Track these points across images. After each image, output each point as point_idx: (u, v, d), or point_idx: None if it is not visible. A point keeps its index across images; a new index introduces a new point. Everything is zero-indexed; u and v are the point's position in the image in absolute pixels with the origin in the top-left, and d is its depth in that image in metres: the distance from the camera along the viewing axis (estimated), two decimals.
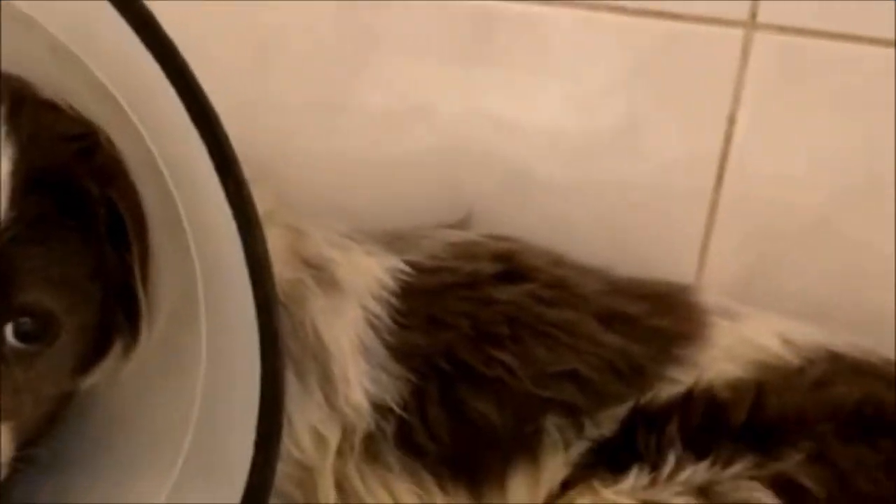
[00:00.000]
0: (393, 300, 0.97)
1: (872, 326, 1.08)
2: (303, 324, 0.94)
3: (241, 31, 1.09)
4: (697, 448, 0.91)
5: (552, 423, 0.96)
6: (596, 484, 0.92)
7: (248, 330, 0.75)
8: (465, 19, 1.09)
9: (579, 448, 0.96)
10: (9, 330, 0.76)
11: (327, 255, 0.98)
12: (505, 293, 0.99)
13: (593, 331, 0.98)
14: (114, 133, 0.78)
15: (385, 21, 1.09)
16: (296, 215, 0.99)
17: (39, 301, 0.77)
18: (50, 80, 0.79)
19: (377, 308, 0.96)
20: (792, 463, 0.89)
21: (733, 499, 0.88)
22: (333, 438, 0.94)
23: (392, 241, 1.01)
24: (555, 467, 0.95)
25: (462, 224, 1.08)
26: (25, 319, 0.77)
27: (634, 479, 0.90)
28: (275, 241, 0.91)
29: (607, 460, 0.93)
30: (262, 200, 0.87)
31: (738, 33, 1.06)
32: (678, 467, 0.90)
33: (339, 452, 0.95)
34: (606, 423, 0.96)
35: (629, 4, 1.07)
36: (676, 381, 0.96)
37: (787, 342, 0.99)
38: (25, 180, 0.76)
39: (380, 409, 0.95)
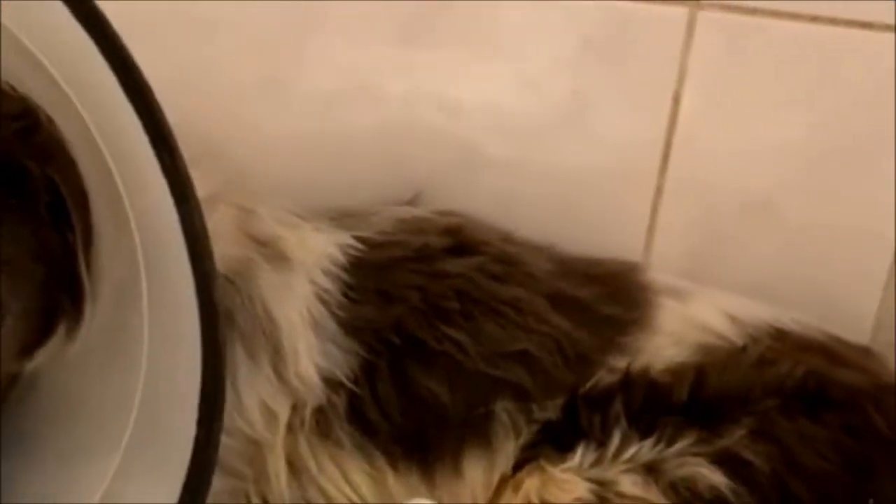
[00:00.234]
0: (343, 275, 0.97)
1: (816, 304, 1.09)
2: (252, 299, 0.94)
3: (188, 10, 1.08)
4: (641, 426, 0.91)
5: (502, 408, 0.95)
6: (543, 463, 0.92)
7: (188, 304, 0.75)
8: None
9: (529, 431, 0.96)
10: None
11: (276, 233, 0.98)
12: (454, 266, 0.99)
13: (543, 311, 0.98)
14: (50, 110, 0.77)
15: (331, 1, 1.08)
16: (244, 194, 0.99)
17: None
18: None
19: (327, 283, 0.96)
20: (735, 439, 0.89)
21: (679, 475, 0.89)
22: (283, 413, 0.94)
23: (341, 218, 1.01)
24: (508, 452, 0.96)
25: (411, 202, 1.08)
26: None
27: (581, 457, 0.91)
28: (223, 221, 0.93)
29: (553, 440, 0.94)
30: (209, 180, 0.88)
31: (682, 12, 1.06)
32: (623, 445, 0.91)
33: (290, 428, 0.95)
34: (552, 408, 0.96)
35: None
36: (617, 371, 0.96)
37: (732, 320, 1.00)
38: None
39: (330, 383, 0.95)
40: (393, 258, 0.99)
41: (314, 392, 0.94)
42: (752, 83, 1.08)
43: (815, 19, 1.05)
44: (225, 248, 0.92)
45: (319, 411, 0.95)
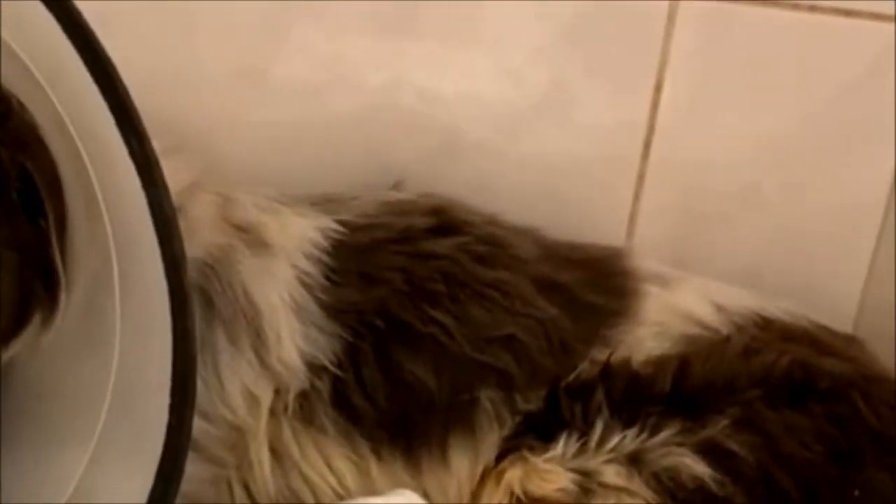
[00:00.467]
0: (325, 258, 0.96)
1: (799, 290, 1.09)
2: (232, 285, 0.93)
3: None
4: (624, 416, 0.91)
5: (486, 397, 0.95)
6: (525, 453, 0.92)
7: (161, 293, 0.74)
8: None
9: (512, 422, 0.95)
10: None
11: (257, 219, 0.97)
12: (439, 247, 0.99)
13: (529, 295, 0.98)
14: (23, 97, 0.77)
15: None
16: (224, 182, 0.98)
17: None
18: None
19: (309, 266, 0.96)
20: (719, 429, 0.89)
21: (662, 465, 0.88)
22: (266, 398, 0.94)
23: (323, 202, 1.01)
24: (491, 442, 0.95)
25: (393, 189, 1.07)
26: None
27: (563, 447, 0.90)
28: (203, 208, 0.93)
29: (535, 430, 0.93)
30: (190, 168, 0.87)
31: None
32: (606, 435, 0.90)
33: (273, 413, 0.94)
34: (535, 399, 0.95)
35: None
36: (599, 363, 0.96)
37: (718, 308, 1.00)
38: None
39: (314, 367, 0.94)
40: (376, 240, 0.98)
41: (297, 377, 0.94)
42: (734, 70, 1.08)
43: (796, 7, 1.05)
44: (205, 235, 0.93)
45: (303, 396, 0.94)
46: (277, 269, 0.95)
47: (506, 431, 0.95)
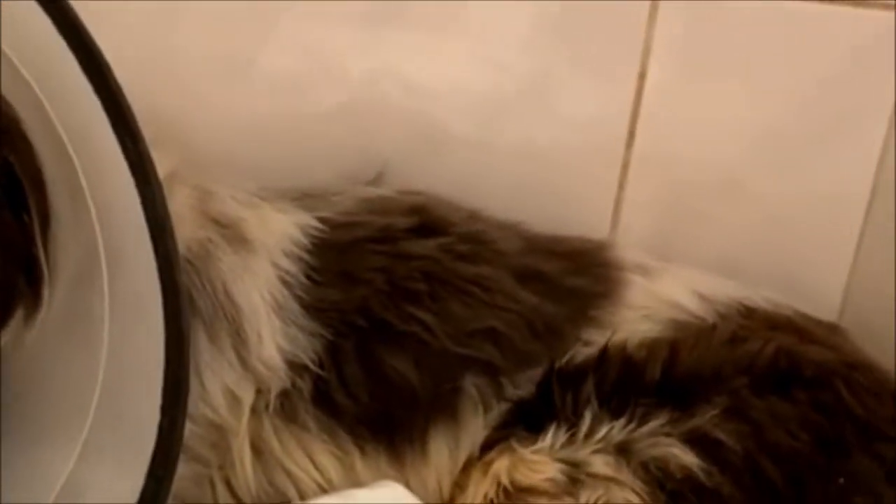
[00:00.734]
0: (306, 256, 0.96)
1: (784, 279, 1.09)
2: (212, 282, 0.93)
3: None
4: (613, 406, 0.91)
5: (471, 383, 0.95)
6: (514, 443, 0.92)
7: (151, 289, 0.74)
8: None
9: (500, 409, 0.95)
10: None
11: (236, 214, 0.96)
12: (420, 247, 0.98)
13: (510, 288, 0.98)
14: (7, 93, 0.76)
15: None
16: (203, 175, 0.97)
17: None
18: None
19: (289, 265, 0.95)
20: (707, 418, 0.89)
21: (651, 455, 0.89)
22: (247, 398, 0.93)
23: (303, 198, 1.00)
24: (475, 429, 0.95)
25: (374, 182, 1.06)
26: None
27: (552, 437, 0.91)
28: (181, 202, 0.91)
29: (524, 420, 0.93)
30: (167, 160, 0.86)
31: None
32: (595, 425, 0.90)
33: (254, 412, 0.94)
34: (524, 384, 0.96)
35: None
36: (592, 343, 0.96)
37: (701, 298, 1.00)
38: None
39: (295, 367, 0.94)
40: (356, 239, 0.98)
41: (278, 376, 0.93)
42: (718, 58, 1.08)
43: None
44: (184, 229, 0.91)
45: (284, 395, 0.94)
46: (258, 266, 0.95)
47: (493, 418, 0.95)
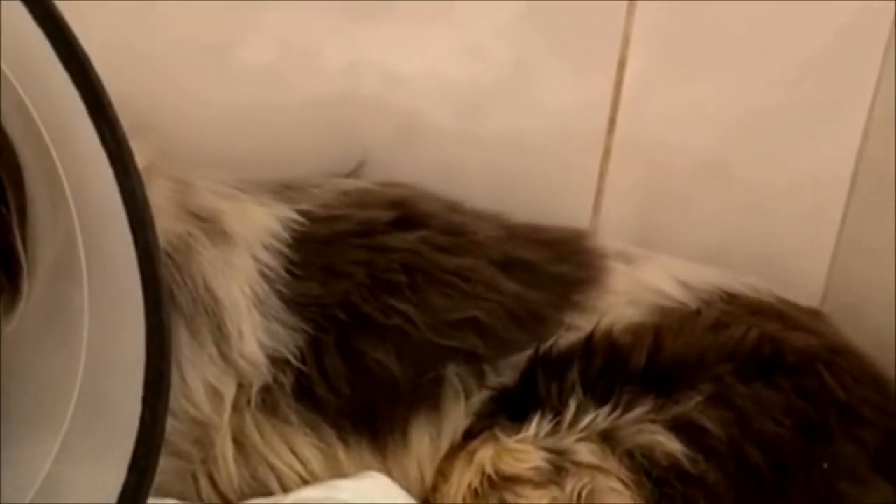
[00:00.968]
0: (286, 250, 0.95)
1: (766, 266, 1.09)
2: (192, 277, 0.92)
3: None
4: (598, 394, 0.91)
5: (453, 372, 0.95)
6: (498, 432, 0.92)
7: (131, 280, 0.73)
8: None
9: (481, 397, 0.95)
10: None
11: (215, 207, 0.96)
12: (400, 240, 0.98)
13: (491, 277, 0.98)
14: None
15: None
16: (181, 167, 0.97)
17: None
18: None
19: (270, 259, 0.95)
20: (692, 405, 0.89)
21: (635, 442, 0.89)
22: (229, 393, 0.93)
23: (283, 190, 1.00)
24: (457, 417, 0.95)
25: (354, 173, 1.06)
26: None
27: (536, 426, 0.91)
28: (159, 194, 0.91)
29: (508, 408, 0.93)
30: (144, 152, 0.85)
31: None
32: (579, 413, 0.90)
33: (236, 407, 0.93)
34: (507, 371, 0.96)
35: None
36: (576, 328, 0.96)
37: (683, 285, 1.00)
38: None
39: (276, 361, 0.93)
40: (337, 233, 0.97)
41: (260, 371, 0.93)
42: (698, 45, 1.09)
43: None
44: (163, 222, 0.90)
45: (266, 390, 0.94)
46: (238, 260, 0.94)
47: (474, 405, 0.95)
